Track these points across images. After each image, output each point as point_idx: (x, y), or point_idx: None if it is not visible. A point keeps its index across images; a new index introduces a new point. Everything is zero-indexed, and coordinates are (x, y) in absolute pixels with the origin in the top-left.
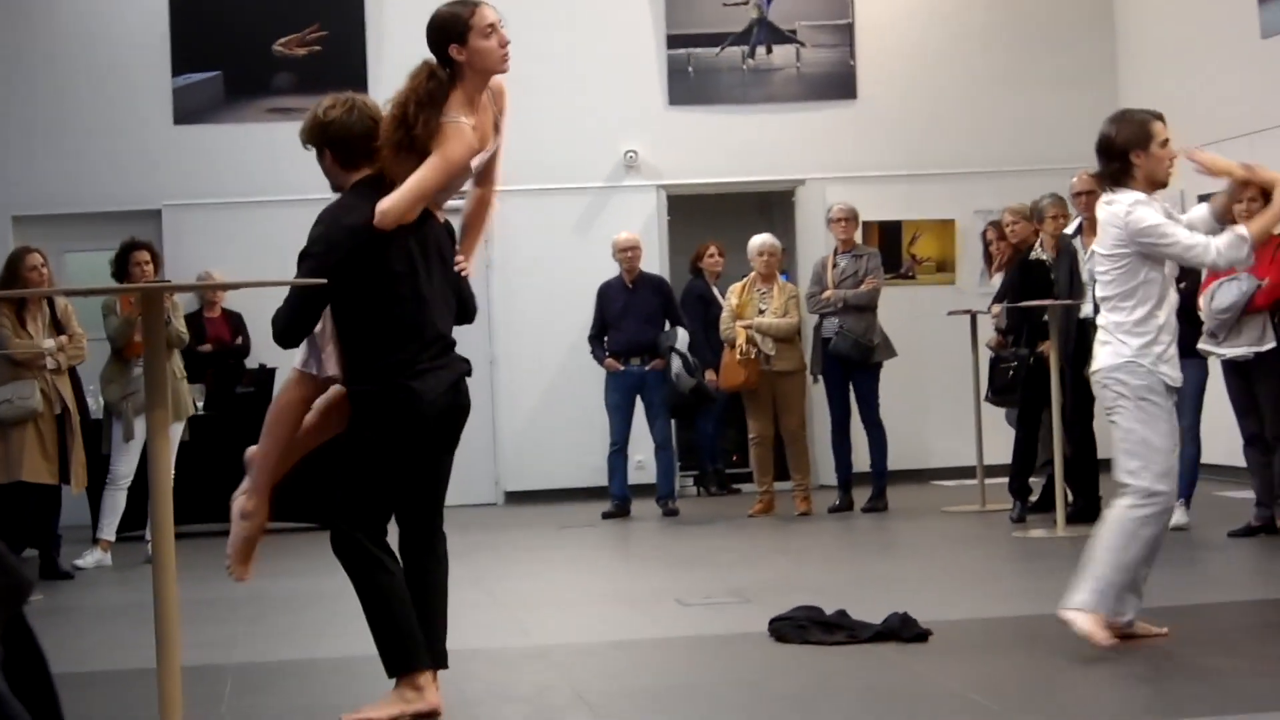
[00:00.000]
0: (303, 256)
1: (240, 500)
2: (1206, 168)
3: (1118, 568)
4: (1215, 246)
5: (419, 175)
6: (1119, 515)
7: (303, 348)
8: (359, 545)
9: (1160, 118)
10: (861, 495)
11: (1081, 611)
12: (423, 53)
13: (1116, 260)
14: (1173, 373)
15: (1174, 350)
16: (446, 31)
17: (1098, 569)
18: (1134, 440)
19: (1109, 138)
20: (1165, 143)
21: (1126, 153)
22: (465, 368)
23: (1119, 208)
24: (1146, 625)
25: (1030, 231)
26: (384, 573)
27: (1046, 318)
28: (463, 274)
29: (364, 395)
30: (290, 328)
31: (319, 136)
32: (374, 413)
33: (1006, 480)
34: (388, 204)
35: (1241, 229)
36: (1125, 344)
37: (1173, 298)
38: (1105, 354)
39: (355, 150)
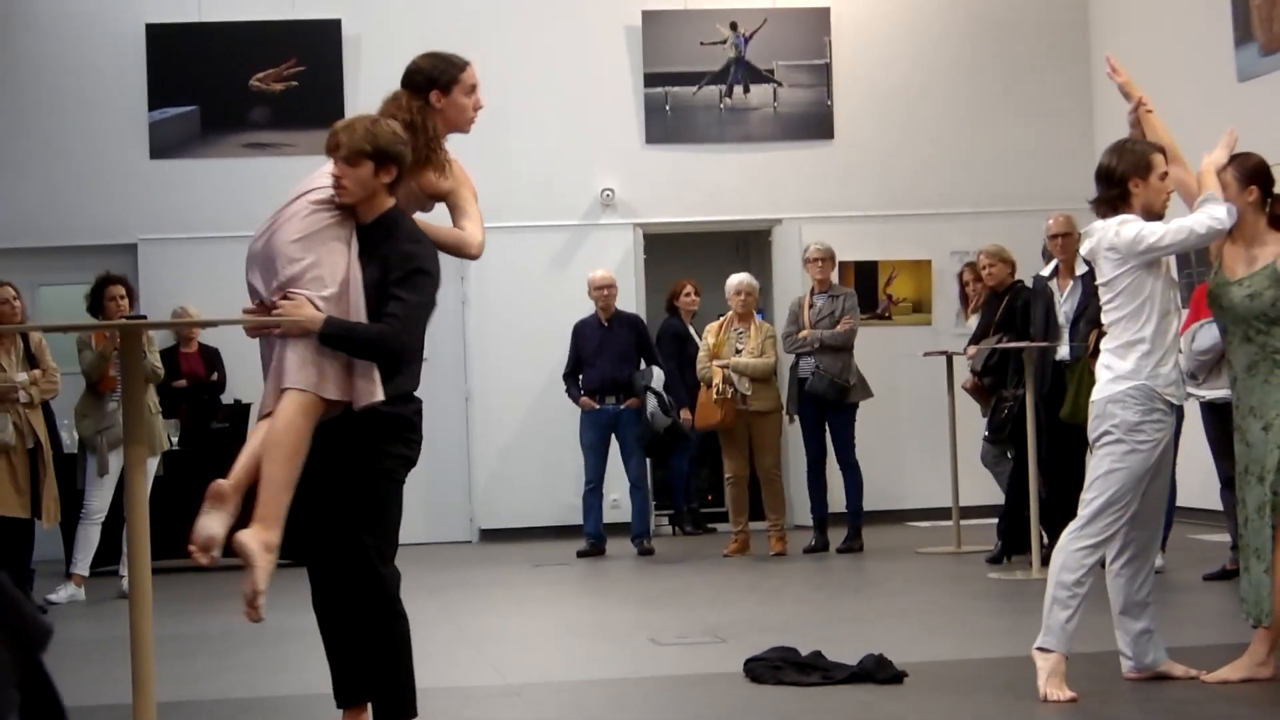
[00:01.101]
0: (420, 271)
1: (258, 534)
2: (1118, 74)
3: (1058, 596)
4: (1198, 216)
5: (477, 213)
6: (1061, 541)
7: (310, 368)
8: (389, 588)
9: (1161, 150)
10: (836, 536)
11: (1045, 652)
12: (398, 87)
13: (1119, 283)
14: (1178, 391)
15: (1178, 371)
16: (434, 77)
17: (1046, 600)
18: (1101, 473)
19: (1109, 167)
20: (1164, 175)
21: (1126, 181)
22: None
23: (1108, 231)
24: (1175, 666)
25: (1006, 273)
26: (403, 619)
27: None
28: None
29: (399, 419)
30: (415, 343)
31: (394, 155)
32: (405, 437)
33: (982, 521)
34: (481, 236)
35: (1205, 194)
36: (1130, 364)
37: (1179, 313)
38: (1104, 380)
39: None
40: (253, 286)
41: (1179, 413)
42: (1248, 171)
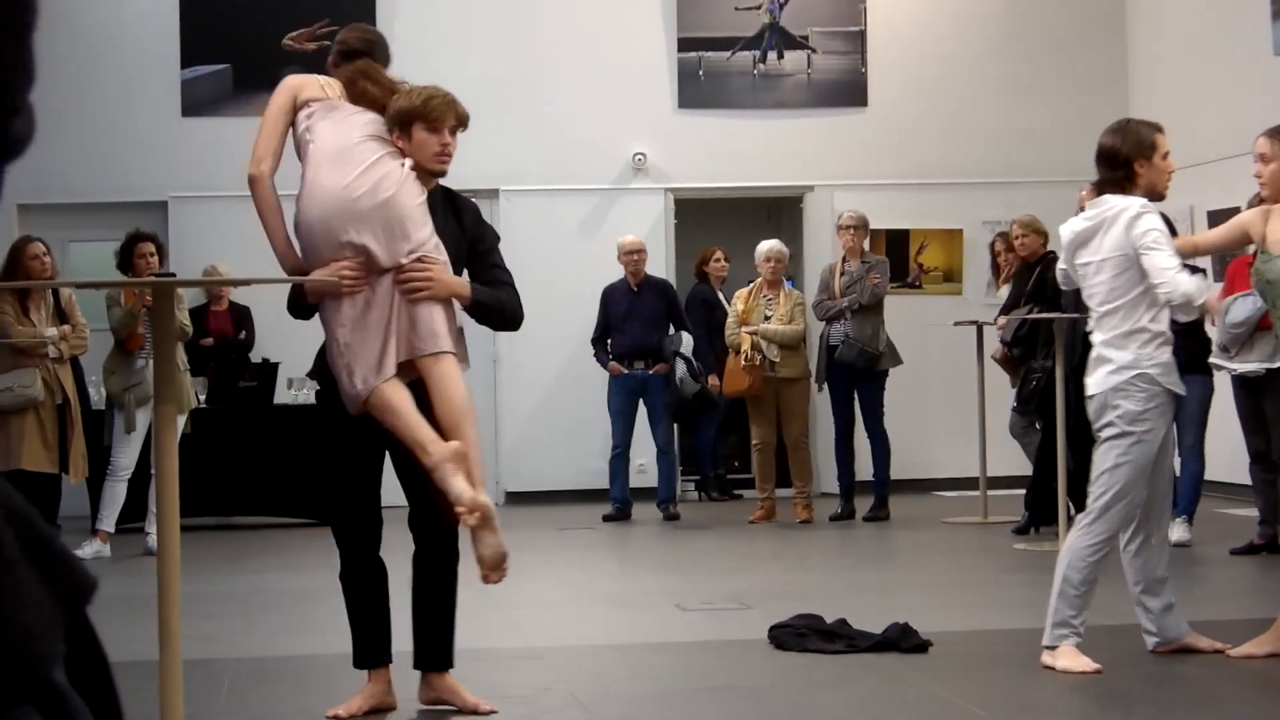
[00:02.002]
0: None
1: (486, 497)
2: None
3: (1064, 593)
4: (1192, 287)
5: None
6: (1070, 539)
7: (452, 333)
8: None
9: (1161, 130)
10: (862, 504)
11: (1054, 649)
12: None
13: (1118, 266)
14: (1176, 380)
15: (1173, 359)
16: (387, 53)
17: (1051, 596)
18: (1108, 468)
19: (1113, 147)
20: (1166, 155)
21: (1131, 162)
22: None
23: (1129, 211)
24: (1200, 639)
25: (1039, 244)
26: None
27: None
28: None
29: None
30: None
31: None
32: None
33: (1009, 491)
34: None
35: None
36: (1130, 354)
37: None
38: (1103, 373)
39: None
40: (356, 245)
41: (1209, 384)
42: None
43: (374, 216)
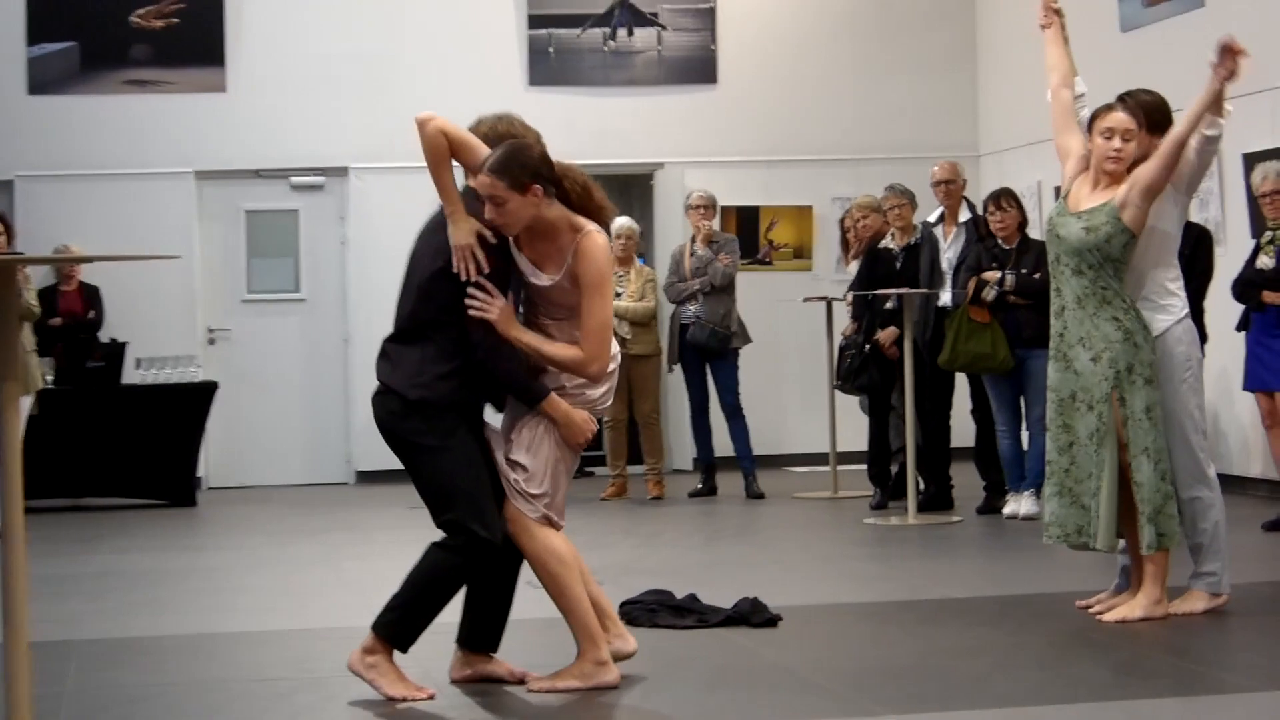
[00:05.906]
0: None
1: None
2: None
3: None
4: None
5: None
6: None
7: None
8: None
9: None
10: (725, 481)
11: None
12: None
13: None
14: None
15: None
16: None
17: None
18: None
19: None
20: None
21: None
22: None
23: None
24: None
25: (881, 223)
26: None
27: (890, 305)
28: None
29: None
30: None
31: None
32: None
33: (858, 467)
34: None
35: None
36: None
37: None
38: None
39: None
40: None
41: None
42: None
43: None
